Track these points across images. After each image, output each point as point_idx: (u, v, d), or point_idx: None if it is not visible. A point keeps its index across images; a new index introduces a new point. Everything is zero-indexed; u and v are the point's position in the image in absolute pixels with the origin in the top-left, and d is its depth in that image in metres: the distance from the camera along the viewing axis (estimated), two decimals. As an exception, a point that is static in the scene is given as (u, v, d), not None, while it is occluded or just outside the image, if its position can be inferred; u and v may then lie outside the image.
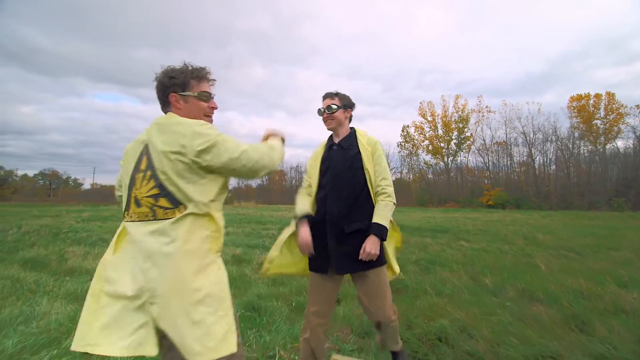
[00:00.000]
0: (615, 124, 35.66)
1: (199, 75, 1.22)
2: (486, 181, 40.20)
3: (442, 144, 43.96)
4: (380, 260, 1.70)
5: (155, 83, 1.22)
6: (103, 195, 50.65)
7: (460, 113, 42.57)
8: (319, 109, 1.87)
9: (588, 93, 37.72)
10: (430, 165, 45.75)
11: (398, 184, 46.59)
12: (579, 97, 37.89)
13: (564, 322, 2.74)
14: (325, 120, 1.85)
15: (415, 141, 45.93)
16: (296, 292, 3.59)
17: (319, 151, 1.90)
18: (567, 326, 2.67)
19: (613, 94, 36.17)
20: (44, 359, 2.07)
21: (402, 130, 46.78)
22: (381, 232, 1.64)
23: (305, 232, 1.66)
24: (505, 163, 40.98)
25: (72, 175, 61.51)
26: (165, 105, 1.22)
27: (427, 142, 44.78)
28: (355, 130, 1.88)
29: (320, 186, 1.80)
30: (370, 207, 1.72)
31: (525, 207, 30.87)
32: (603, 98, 36.77)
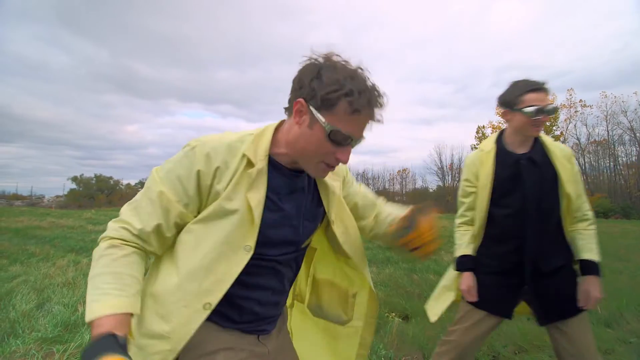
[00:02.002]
0: None
1: (359, 105, 0.72)
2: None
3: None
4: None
5: (300, 67, 0.78)
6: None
7: (547, 109, 37.80)
8: (533, 110, 1.32)
9: None
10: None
11: (473, 190, 43.02)
12: None
13: None
14: (534, 125, 1.35)
15: (493, 143, 42.05)
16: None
17: (484, 161, 1.46)
18: None
19: None
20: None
21: (477, 132, 43.16)
22: (599, 271, 1.36)
23: (468, 281, 1.45)
24: (608, 165, 35.03)
25: (164, 183, 70.72)
26: (289, 112, 0.82)
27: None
28: (539, 137, 1.43)
29: (496, 213, 1.42)
30: (564, 236, 1.42)
31: (636, 216, 25.91)
32: None
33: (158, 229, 0.75)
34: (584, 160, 35.99)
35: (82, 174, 52.24)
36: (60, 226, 11.14)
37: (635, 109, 32.64)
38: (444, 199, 43.09)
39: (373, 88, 0.76)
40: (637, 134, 32.22)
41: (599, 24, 65.69)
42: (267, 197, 0.80)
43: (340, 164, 0.80)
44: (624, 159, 34.11)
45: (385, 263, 5.20)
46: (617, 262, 5.82)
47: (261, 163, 0.79)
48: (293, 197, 0.86)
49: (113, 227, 0.75)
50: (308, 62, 0.77)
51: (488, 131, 41.88)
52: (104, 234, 0.75)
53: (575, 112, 36.35)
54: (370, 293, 1.04)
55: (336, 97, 0.71)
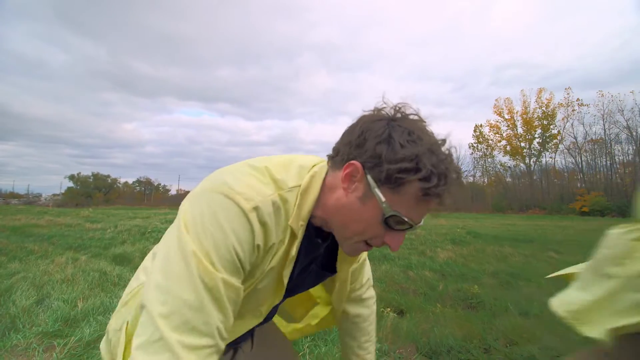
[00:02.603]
0: None
1: (434, 192, 0.56)
2: (579, 184, 35.06)
3: (522, 144, 39.65)
4: None
5: (356, 121, 0.64)
6: (186, 199, 56.94)
7: (544, 108, 37.96)
8: None
9: None
10: (508, 167, 41.57)
11: (471, 189, 43.19)
12: None
13: None
14: None
15: (490, 141, 42.22)
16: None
17: None
18: None
19: None
20: (112, 349, 2.19)
21: (475, 131, 43.38)
22: None
23: None
24: (604, 163, 35.25)
25: (161, 182, 69.75)
26: (335, 165, 0.65)
27: (504, 142, 40.86)
28: None
29: None
30: None
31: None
32: None
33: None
34: (581, 158, 36.22)
35: (80, 173, 52.05)
36: (58, 224, 11.15)
37: (632, 108, 32.83)
38: (441, 197, 43.13)
39: (455, 170, 0.58)
40: (634, 133, 32.42)
41: (599, 22, 65.81)
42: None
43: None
44: (620, 158, 34.31)
45: (382, 260, 5.25)
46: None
47: (301, 234, 0.63)
48: (309, 266, 0.75)
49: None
50: (375, 113, 0.62)
51: (486, 130, 42.09)
52: None
53: (573, 110, 36.63)
54: (329, 313, 0.99)
55: (408, 178, 0.55)
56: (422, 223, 0.62)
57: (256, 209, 0.55)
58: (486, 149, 42.57)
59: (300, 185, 0.62)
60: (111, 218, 15.08)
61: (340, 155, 0.62)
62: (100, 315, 2.76)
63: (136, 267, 4.17)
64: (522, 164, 40.11)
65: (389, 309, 3.16)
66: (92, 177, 52.52)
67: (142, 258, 5.26)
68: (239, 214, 0.54)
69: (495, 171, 42.85)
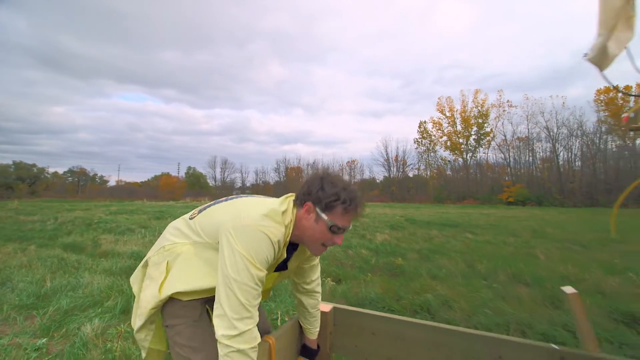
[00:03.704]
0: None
1: (350, 209, 1.09)
2: (507, 177, 39.34)
3: (460, 140, 43.30)
4: None
5: (310, 174, 1.22)
6: (128, 191, 52.67)
7: (479, 108, 41.81)
8: None
9: (617, 85, 36.07)
10: (448, 161, 45.17)
11: (416, 181, 46.29)
12: (607, 90, 36.28)
13: (541, 301, 3.00)
14: None
15: (433, 137, 45.43)
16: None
17: None
18: (543, 304, 2.93)
19: (644, 86, 34.50)
20: (91, 314, 2.55)
21: (419, 126, 46.36)
22: None
23: None
24: (527, 159, 39.96)
25: (98, 172, 63.94)
26: (299, 205, 1.14)
27: (445, 138, 44.24)
28: None
29: None
30: None
31: (547, 204, 30.14)
32: (633, 90, 35.13)
33: None
34: (509, 154, 40.60)
35: (-4, 161, 45.69)
36: (-14, 217, 10.30)
37: (551, 110, 37.68)
38: (389, 189, 45.90)
39: (359, 197, 1.11)
40: (551, 132, 37.11)
41: (530, 31, 73.02)
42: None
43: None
44: (540, 154, 39.09)
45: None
46: (511, 237, 7.21)
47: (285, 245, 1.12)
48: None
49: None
50: (314, 174, 1.17)
51: (429, 126, 45.29)
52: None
53: (504, 111, 40.79)
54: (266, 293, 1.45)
55: (335, 204, 1.07)
56: (350, 227, 1.14)
57: (278, 241, 1.06)
58: (429, 144, 45.82)
59: (290, 221, 1.12)
60: (45, 210, 14.09)
61: (299, 199, 1.14)
62: (70, 291, 3.04)
63: (91, 255, 4.67)
64: (460, 159, 43.92)
65: (329, 279, 3.81)
66: (13, 167, 46.43)
67: (95, 247, 5.58)
68: (270, 243, 1.03)
69: (437, 165, 46.37)
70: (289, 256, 1.24)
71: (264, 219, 1.05)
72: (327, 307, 1.49)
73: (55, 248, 5.33)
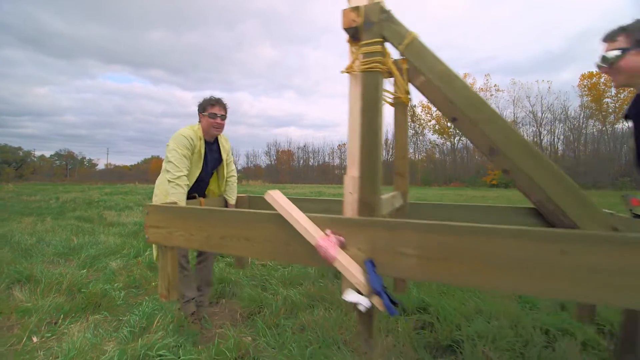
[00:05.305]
0: (627, 102, 35.08)
1: (213, 104, 2.16)
2: (492, 161, 40.57)
3: (448, 124, 44.25)
4: None
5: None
6: (118, 174, 52.79)
7: (467, 92, 42.56)
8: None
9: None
10: (437, 144, 46.27)
11: (404, 164, 47.23)
12: (590, 75, 37.19)
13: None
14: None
15: (422, 121, 46.32)
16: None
17: None
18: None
19: (625, 71, 35.43)
20: (114, 258, 3.44)
21: (409, 110, 47.07)
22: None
23: None
24: (512, 143, 41.09)
25: (86, 156, 63.51)
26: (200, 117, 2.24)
27: (433, 122, 45.15)
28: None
29: None
30: None
31: (527, 186, 31.41)
32: (615, 75, 36.03)
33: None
34: (494, 138, 41.71)
35: (-22, 144, 44.63)
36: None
37: (537, 95, 38.68)
38: (379, 171, 46.73)
39: (219, 99, 2.22)
40: (536, 117, 38.26)
41: (520, 15, 73.02)
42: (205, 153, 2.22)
43: (219, 127, 2.20)
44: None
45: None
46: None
47: (203, 142, 2.20)
48: (211, 153, 2.26)
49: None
50: (202, 100, 2.22)
51: (419, 110, 46.09)
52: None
53: (491, 95, 41.71)
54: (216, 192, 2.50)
55: (205, 107, 2.17)
56: (221, 114, 2.23)
57: (188, 136, 2.11)
58: (418, 127, 46.73)
59: (198, 128, 2.19)
60: (43, 192, 14.78)
61: (199, 114, 2.29)
62: (93, 246, 3.92)
63: (102, 224, 5.86)
64: (448, 142, 45.03)
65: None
66: (-3, 150, 45.61)
67: (101, 220, 6.69)
68: (184, 138, 2.10)
69: (425, 148, 47.48)
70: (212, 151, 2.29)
71: (184, 128, 2.13)
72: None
73: (69, 219, 6.18)
